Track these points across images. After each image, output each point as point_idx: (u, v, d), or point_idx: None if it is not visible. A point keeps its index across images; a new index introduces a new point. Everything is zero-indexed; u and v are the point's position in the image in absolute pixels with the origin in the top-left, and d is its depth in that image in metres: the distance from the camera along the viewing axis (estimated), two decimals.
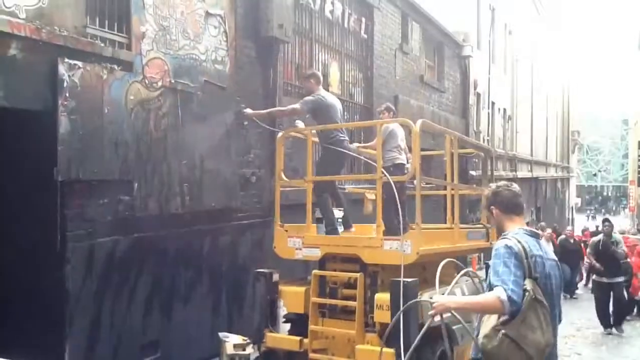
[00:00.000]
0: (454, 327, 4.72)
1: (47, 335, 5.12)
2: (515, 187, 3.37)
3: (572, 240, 14.62)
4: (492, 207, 3.31)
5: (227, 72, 6.92)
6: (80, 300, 5.10)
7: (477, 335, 3.10)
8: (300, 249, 5.73)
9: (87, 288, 5.17)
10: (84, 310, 5.14)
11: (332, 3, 9.21)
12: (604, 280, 10.19)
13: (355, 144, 7.11)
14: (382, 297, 5.03)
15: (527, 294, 2.92)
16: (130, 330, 5.62)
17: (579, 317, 11.90)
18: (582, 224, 27.95)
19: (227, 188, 6.90)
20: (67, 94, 4.90)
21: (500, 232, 3.32)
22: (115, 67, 5.42)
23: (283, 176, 6.09)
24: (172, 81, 6.10)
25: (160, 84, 5.93)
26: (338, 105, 6.26)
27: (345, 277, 5.50)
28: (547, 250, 3.20)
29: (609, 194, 79.14)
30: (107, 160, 5.33)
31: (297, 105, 6.29)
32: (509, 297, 2.87)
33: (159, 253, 5.95)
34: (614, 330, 10.00)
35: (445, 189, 6.89)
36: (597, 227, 20.82)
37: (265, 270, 5.71)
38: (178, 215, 6.16)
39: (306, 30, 8.79)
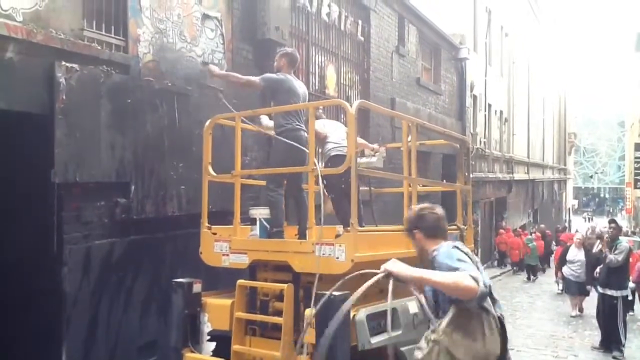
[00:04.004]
0: (403, 349, 4.24)
1: (44, 338, 5.12)
2: (440, 210, 3.15)
3: (592, 250, 10.90)
4: (414, 230, 3.09)
5: None
6: (77, 303, 5.09)
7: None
8: (228, 255, 5.06)
9: (84, 290, 5.17)
10: (80, 312, 5.13)
11: (329, 6, 9.23)
12: (599, 289, 9.24)
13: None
14: (311, 313, 4.28)
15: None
16: (128, 332, 5.62)
17: (576, 320, 11.96)
18: (579, 226, 27.81)
19: (224, 190, 6.89)
20: (64, 97, 4.90)
21: (422, 257, 3.07)
22: (112, 69, 5.43)
23: (211, 170, 5.43)
24: (169, 84, 6.11)
25: (157, 86, 5.95)
26: (302, 92, 5.54)
27: (277, 289, 4.75)
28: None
29: (606, 196, 79.33)
30: (104, 163, 5.33)
31: (255, 78, 5.53)
32: (477, 281, 2.53)
33: (156, 255, 5.95)
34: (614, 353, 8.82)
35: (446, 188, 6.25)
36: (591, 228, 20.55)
37: (184, 280, 4.97)
38: (175, 217, 6.16)
39: (303, 33, 8.82)
